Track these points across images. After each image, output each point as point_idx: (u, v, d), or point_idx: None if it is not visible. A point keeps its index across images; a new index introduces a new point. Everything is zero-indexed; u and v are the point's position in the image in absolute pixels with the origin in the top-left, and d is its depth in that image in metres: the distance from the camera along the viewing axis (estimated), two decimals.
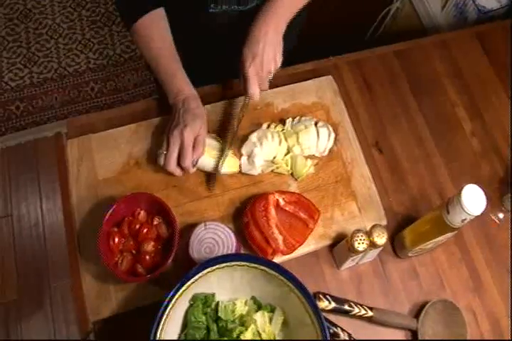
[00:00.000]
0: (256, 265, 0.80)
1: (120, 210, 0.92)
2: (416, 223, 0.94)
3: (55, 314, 2.01)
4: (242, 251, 0.96)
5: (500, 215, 1.06)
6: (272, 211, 0.94)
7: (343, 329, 0.90)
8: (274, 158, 1.03)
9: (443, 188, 1.08)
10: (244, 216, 0.96)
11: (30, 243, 2.14)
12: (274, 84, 1.05)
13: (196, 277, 0.78)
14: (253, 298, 0.86)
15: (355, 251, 0.85)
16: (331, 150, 1.07)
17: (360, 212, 1.02)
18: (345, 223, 1.01)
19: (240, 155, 1.03)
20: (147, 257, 0.90)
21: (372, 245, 0.85)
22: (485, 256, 1.02)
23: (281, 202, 0.96)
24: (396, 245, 1.00)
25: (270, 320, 0.84)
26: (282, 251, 0.92)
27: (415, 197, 1.07)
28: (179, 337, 0.82)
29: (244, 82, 0.96)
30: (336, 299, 0.92)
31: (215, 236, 0.91)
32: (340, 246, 0.95)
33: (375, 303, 0.95)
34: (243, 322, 0.82)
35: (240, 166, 1.03)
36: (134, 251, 0.92)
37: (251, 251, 0.96)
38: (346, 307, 0.92)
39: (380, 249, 0.89)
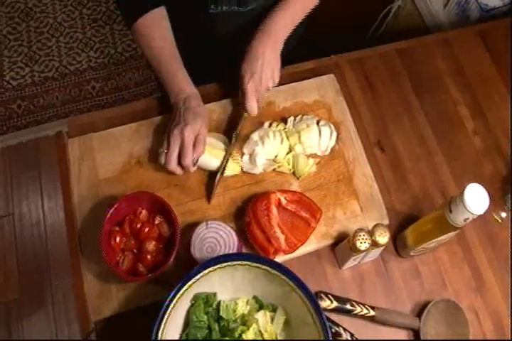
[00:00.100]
0: (258, 264, 0.79)
1: (121, 209, 0.92)
2: (418, 222, 0.94)
3: (56, 313, 2.01)
4: (244, 251, 0.96)
5: (503, 214, 1.05)
6: (274, 210, 0.94)
7: (345, 329, 0.90)
8: (276, 156, 1.03)
9: (445, 187, 1.08)
10: (245, 215, 0.95)
11: (31, 242, 2.14)
12: None
13: (198, 276, 0.78)
14: (255, 297, 0.86)
15: (357, 251, 0.85)
16: (332, 149, 1.06)
17: (362, 211, 1.02)
18: (347, 222, 1.00)
19: (242, 154, 1.03)
20: (148, 256, 0.90)
21: (375, 244, 0.84)
22: (487, 256, 1.02)
23: (283, 201, 0.96)
24: (398, 244, 1.00)
25: (272, 319, 0.84)
26: (284, 250, 0.92)
27: (417, 196, 1.06)
28: (181, 337, 0.82)
29: (242, 97, 0.99)
30: (337, 298, 0.92)
31: (216, 236, 0.91)
32: (342, 246, 0.94)
33: (377, 303, 0.94)
34: (245, 321, 0.82)
35: (241, 167, 1.02)
36: (135, 251, 0.92)
37: (253, 250, 0.96)
38: (348, 306, 0.91)
39: (382, 248, 0.89)
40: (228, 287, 0.84)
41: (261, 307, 0.85)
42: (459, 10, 1.60)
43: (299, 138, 1.03)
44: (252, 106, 0.99)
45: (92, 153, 1.04)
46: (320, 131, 1.04)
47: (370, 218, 1.01)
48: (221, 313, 0.83)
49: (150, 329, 0.73)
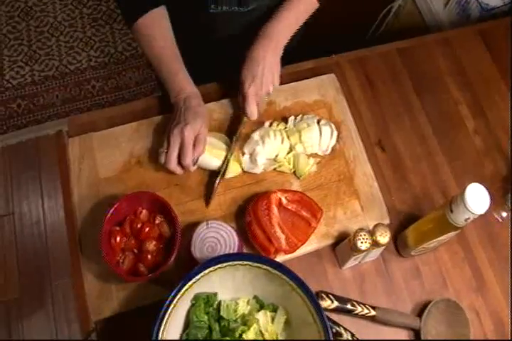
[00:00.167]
0: (258, 264, 0.79)
1: (122, 209, 0.92)
2: (419, 222, 0.94)
3: (56, 312, 2.01)
4: (245, 250, 0.96)
5: (504, 214, 1.05)
6: (275, 210, 0.94)
7: (345, 329, 0.90)
8: (277, 156, 1.03)
9: (446, 187, 1.08)
10: (246, 215, 0.95)
11: (31, 241, 2.14)
12: None
13: (198, 276, 0.78)
14: (255, 297, 0.86)
15: (358, 250, 0.84)
16: (333, 149, 1.06)
17: (363, 211, 1.01)
18: (347, 222, 1.00)
19: (242, 154, 1.03)
20: (149, 256, 0.90)
21: (375, 244, 0.84)
22: (488, 255, 1.02)
23: (284, 201, 0.96)
24: (399, 244, 1.00)
25: (272, 319, 0.84)
26: (285, 250, 0.92)
27: (418, 195, 1.06)
28: (181, 337, 0.82)
29: (243, 101, 1.00)
30: (338, 298, 0.92)
31: (217, 235, 0.91)
32: (342, 245, 0.94)
33: (378, 302, 0.94)
34: (245, 321, 0.82)
35: (242, 167, 1.02)
36: (135, 250, 0.92)
37: (253, 250, 0.96)
38: (349, 306, 0.91)
39: (383, 248, 0.89)
40: (229, 287, 0.84)
41: (261, 307, 0.85)
42: (460, 9, 1.59)
43: (299, 138, 1.03)
44: (252, 110, 0.99)
45: (92, 153, 1.04)
46: (321, 131, 1.03)
47: (370, 218, 1.01)
48: (222, 313, 0.82)
49: (150, 330, 0.73)
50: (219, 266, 0.79)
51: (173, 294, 0.75)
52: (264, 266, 0.79)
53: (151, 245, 0.90)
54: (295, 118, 1.07)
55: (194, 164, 0.96)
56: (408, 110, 1.16)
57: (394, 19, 1.94)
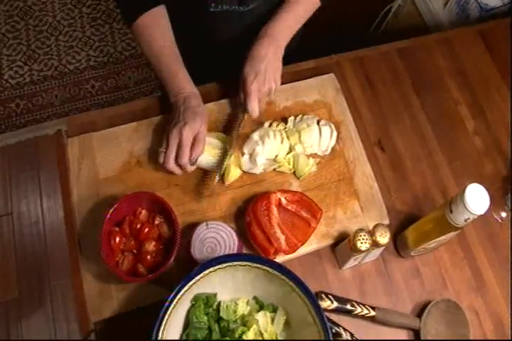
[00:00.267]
0: (258, 265, 0.79)
1: (121, 209, 0.92)
2: (419, 222, 0.94)
3: (55, 312, 2.01)
4: (244, 251, 0.96)
5: (503, 214, 1.05)
6: (274, 210, 0.94)
7: (345, 329, 0.90)
8: (276, 156, 1.02)
9: (446, 187, 1.08)
10: (246, 215, 0.95)
11: (30, 241, 2.14)
12: None
13: (198, 277, 0.78)
14: (255, 297, 0.86)
15: (358, 251, 0.84)
16: (333, 149, 1.06)
17: (363, 211, 1.01)
18: (347, 222, 1.00)
19: (242, 154, 1.02)
20: (148, 257, 0.90)
21: (375, 244, 0.84)
22: (488, 256, 1.01)
23: (284, 201, 0.96)
24: (399, 244, 1.00)
25: (272, 320, 0.84)
26: (284, 250, 0.92)
27: (418, 195, 1.06)
28: (181, 337, 0.82)
29: (244, 98, 0.99)
30: (338, 298, 0.92)
31: (216, 236, 0.91)
32: (342, 246, 0.94)
33: (378, 303, 0.94)
34: (245, 322, 0.82)
35: (241, 168, 1.02)
36: (135, 251, 0.91)
37: (253, 250, 0.95)
38: (348, 306, 0.91)
39: (383, 248, 0.89)
40: (228, 287, 0.84)
41: (261, 307, 0.85)
42: (459, 9, 1.59)
43: (299, 138, 1.03)
44: (254, 106, 0.98)
45: (92, 153, 1.04)
46: (320, 131, 1.03)
47: (370, 218, 1.01)
48: (221, 314, 0.82)
49: (150, 330, 0.72)
50: (219, 266, 0.78)
51: (173, 295, 0.75)
52: (264, 267, 0.79)
53: (150, 246, 0.90)
54: (295, 119, 1.07)
55: (193, 164, 0.96)
56: (408, 110, 1.16)
57: (394, 19, 1.94)
